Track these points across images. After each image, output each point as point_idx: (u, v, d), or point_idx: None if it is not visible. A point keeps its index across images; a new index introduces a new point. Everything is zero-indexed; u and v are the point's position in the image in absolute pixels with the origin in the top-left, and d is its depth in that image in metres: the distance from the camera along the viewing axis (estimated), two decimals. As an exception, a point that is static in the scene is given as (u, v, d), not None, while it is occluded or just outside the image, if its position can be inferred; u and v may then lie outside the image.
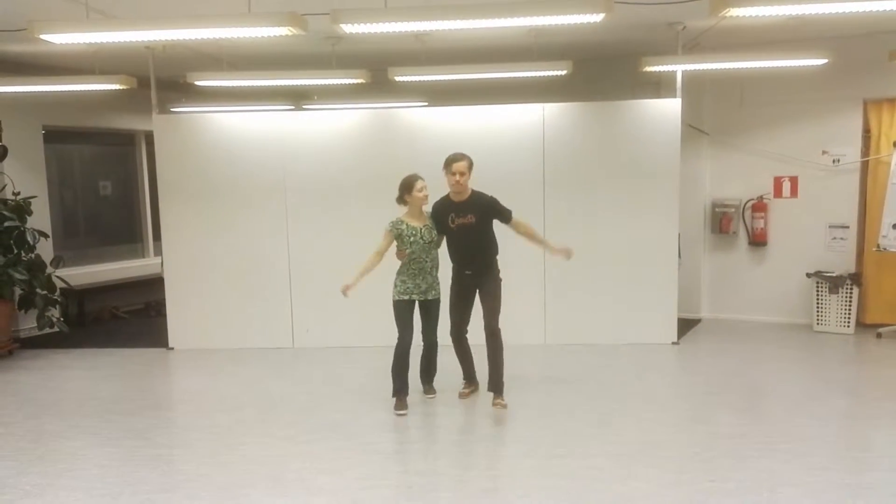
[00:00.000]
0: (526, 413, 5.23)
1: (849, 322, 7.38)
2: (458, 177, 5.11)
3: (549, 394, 5.66)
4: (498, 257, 5.37)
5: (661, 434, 4.83)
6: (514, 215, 5.28)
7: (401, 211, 5.30)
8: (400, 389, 5.35)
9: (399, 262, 5.29)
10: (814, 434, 4.75)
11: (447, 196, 5.28)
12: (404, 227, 5.22)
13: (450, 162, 5.14)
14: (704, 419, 5.10)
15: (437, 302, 5.40)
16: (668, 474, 4.19)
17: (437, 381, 5.71)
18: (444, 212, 5.26)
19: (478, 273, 5.29)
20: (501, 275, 5.36)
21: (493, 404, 5.24)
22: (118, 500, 3.97)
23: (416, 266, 5.25)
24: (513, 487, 4.08)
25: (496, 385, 5.27)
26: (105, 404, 5.69)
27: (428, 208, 5.34)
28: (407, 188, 5.23)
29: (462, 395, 5.61)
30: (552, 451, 4.53)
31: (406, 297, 5.27)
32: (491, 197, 5.27)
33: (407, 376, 5.35)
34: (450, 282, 5.42)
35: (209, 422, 5.25)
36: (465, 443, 4.89)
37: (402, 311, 5.28)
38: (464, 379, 5.69)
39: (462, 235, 5.22)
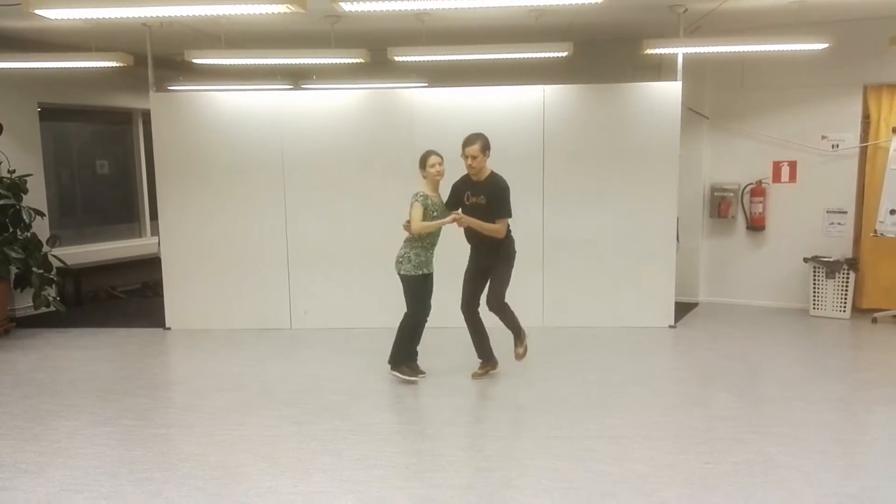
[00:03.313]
0: (523, 395, 5.25)
1: (845, 307, 7.40)
2: (469, 160, 5.18)
3: (545, 376, 5.67)
4: (512, 235, 5.39)
5: (657, 416, 4.86)
6: (501, 221, 5.24)
7: (420, 184, 5.35)
8: (410, 355, 5.52)
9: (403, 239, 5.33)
10: (808, 417, 4.77)
11: (468, 174, 5.33)
12: (429, 201, 5.28)
13: (462, 146, 5.19)
14: (700, 402, 5.12)
15: (432, 275, 5.51)
16: (664, 456, 4.21)
17: (443, 362, 5.77)
18: (462, 188, 5.36)
19: (487, 254, 5.36)
20: (516, 246, 5.41)
21: (515, 353, 5.42)
22: (115, 479, 3.98)
23: (430, 239, 5.34)
24: (509, 468, 4.10)
25: (516, 332, 5.41)
26: (102, 384, 5.70)
27: (446, 185, 5.41)
28: (421, 164, 5.32)
29: (475, 376, 5.57)
30: (548, 433, 4.55)
31: (424, 272, 5.35)
32: (503, 186, 5.25)
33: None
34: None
35: (206, 402, 5.26)
36: (461, 424, 4.90)
37: (423, 285, 5.39)
38: (478, 357, 5.62)
39: (474, 215, 5.25)
